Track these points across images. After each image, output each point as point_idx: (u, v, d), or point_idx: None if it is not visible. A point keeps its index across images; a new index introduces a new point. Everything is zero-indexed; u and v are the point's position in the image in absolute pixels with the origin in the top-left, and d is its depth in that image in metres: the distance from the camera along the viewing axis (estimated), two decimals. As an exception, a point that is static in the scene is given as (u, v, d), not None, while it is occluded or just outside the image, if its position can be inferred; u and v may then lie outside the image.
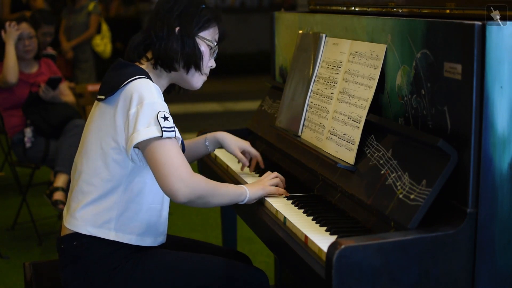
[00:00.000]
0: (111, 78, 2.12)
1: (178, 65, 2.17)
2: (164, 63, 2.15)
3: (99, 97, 2.13)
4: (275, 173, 2.35)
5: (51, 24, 5.68)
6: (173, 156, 2.00)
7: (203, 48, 2.20)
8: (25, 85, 4.50)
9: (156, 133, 1.99)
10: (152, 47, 2.16)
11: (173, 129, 2.01)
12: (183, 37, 2.15)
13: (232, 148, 2.54)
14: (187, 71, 2.19)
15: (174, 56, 2.14)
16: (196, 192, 2.02)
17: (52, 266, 2.32)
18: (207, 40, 2.20)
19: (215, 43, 2.24)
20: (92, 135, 2.12)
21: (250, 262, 2.44)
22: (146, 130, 1.99)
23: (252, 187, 2.26)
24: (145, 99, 2.01)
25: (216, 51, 2.26)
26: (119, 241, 2.09)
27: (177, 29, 2.15)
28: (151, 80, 2.11)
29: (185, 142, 2.50)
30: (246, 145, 2.56)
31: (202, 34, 2.19)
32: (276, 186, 2.31)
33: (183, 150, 2.19)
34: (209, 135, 2.56)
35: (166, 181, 1.99)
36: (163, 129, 1.99)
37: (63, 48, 6.94)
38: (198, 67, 2.19)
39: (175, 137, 2.03)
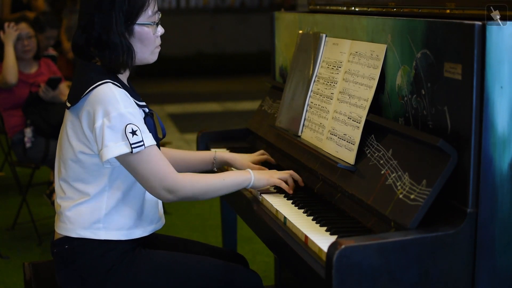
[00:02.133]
0: (75, 83, 2.09)
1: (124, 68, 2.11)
2: (112, 71, 2.09)
3: (67, 104, 2.10)
4: (291, 171, 2.35)
5: (55, 28, 5.69)
6: (152, 166, 2.02)
7: (146, 31, 2.10)
8: (25, 85, 4.50)
9: (125, 149, 1.98)
10: (96, 52, 2.08)
11: (141, 143, 1.99)
12: (117, 36, 2.05)
13: (245, 167, 2.49)
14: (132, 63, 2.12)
15: (118, 66, 2.08)
16: (181, 196, 2.08)
17: (52, 266, 2.32)
18: (147, 23, 2.10)
19: (157, 15, 2.13)
20: (66, 142, 2.10)
21: (247, 264, 2.43)
22: (115, 146, 1.98)
23: (259, 174, 2.26)
24: (111, 111, 1.98)
25: (159, 17, 2.15)
26: (109, 239, 2.09)
27: (112, 29, 2.05)
28: (113, 79, 2.06)
29: (191, 154, 2.48)
30: (255, 158, 2.54)
31: (140, 20, 2.09)
32: (288, 177, 2.31)
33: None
34: (218, 156, 2.50)
35: (150, 190, 2.07)
36: (132, 145, 1.98)
37: (64, 48, 6.94)
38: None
39: (144, 149, 2.00)
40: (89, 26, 2.08)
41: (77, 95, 2.04)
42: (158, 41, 2.16)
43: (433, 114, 1.90)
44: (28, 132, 4.41)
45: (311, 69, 2.53)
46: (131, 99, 2.07)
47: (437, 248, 1.73)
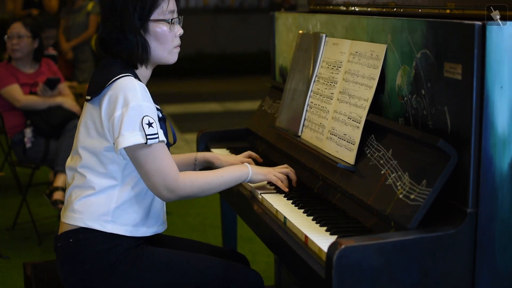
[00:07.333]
0: (97, 78, 2.13)
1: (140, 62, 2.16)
2: (132, 66, 2.14)
3: (86, 97, 2.14)
4: (287, 167, 2.38)
5: (53, 27, 5.70)
6: (158, 163, 2.04)
7: (161, 28, 2.14)
8: (25, 85, 4.51)
9: (140, 139, 2.01)
10: (115, 49, 2.14)
11: (156, 135, 2.03)
12: (132, 33, 2.10)
13: (224, 165, 2.51)
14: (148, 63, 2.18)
15: (135, 60, 2.13)
16: (181, 195, 2.11)
17: (52, 266, 2.32)
18: (161, 20, 2.14)
19: (174, 14, 2.18)
20: (83, 134, 2.13)
21: (247, 263, 2.44)
22: (131, 136, 2.01)
23: (257, 169, 2.30)
24: (130, 101, 2.02)
25: (180, 19, 2.20)
26: (115, 233, 2.10)
27: (127, 27, 2.10)
28: (136, 76, 2.11)
29: (174, 157, 2.49)
30: (240, 159, 2.54)
31: (153, 16, 2.13)
32: (285, 177, 2.34)
33: (174, 140, 2.25)
34: (199, 156, 2.54)
35: (151, 187, 2.09)
36: (147, 136, 2.01)
37: (62, 49, 6.94)
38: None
39: (158, 142, 2.04)
40: (108, 27, 2.13)
41: (100, 86, 2.08)
42: (177, 41, 2.21)
43: (433, 114, 1.90)
44: (28, 132, 4.41)
45: (311, 69, 2.53)
46: (149, 96, 2.10)
47: (437, 248, 1.73)
